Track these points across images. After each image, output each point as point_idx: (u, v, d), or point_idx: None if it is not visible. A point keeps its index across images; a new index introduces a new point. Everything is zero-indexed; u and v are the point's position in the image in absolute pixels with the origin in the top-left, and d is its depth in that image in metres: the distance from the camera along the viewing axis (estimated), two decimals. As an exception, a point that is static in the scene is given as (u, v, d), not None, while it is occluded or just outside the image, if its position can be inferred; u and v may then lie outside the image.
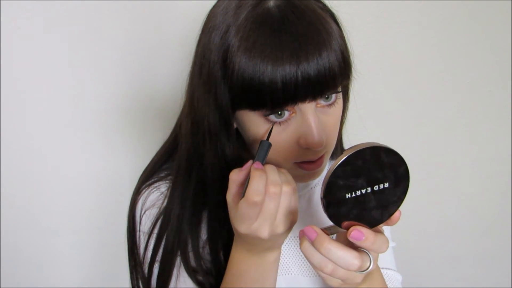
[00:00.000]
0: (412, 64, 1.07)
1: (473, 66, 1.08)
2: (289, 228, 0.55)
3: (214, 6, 0.60)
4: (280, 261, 0.71)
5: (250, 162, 0.54)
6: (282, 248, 0.71)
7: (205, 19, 0.60)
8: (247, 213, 0.51)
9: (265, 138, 0.56)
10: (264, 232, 0.52)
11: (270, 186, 0.50)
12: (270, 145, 0.55)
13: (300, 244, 0.50)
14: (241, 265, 0.58)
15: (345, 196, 0.47)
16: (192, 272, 0.66)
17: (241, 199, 0.52)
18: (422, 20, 1.04)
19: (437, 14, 1.03)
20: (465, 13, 1.04)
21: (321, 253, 0.48)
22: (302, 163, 0.59)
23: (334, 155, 0.70)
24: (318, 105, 0.57)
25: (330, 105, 0.57)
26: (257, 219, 0.51)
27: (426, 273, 1.27)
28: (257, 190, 0.50)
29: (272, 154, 0.58)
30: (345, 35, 0.58)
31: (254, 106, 0.55)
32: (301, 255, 0.71)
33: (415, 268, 1.24)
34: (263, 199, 0.50)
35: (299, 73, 0.51)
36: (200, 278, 0.67)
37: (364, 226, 0.49)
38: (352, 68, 0.59)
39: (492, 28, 1.06)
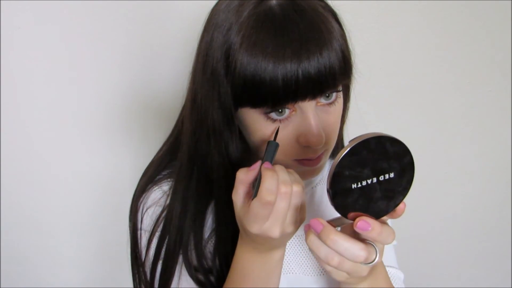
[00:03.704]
0: (413, 64, 1.07)
1: (474, 66, 1.09)
2: (297, 227, 0.55)
3: (216, 4, 0.60)
4: (282, 260, 0.71)
5: (259, 162, 0.54)
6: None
7: (207, 17, 0.61)
8: (260, 213, 0.51)
9: (271, 138, 0.56)
10: (275, 232, 0.52)
11: (281, 186, 0.51)
12: (277, 145, 0.56)
13: (306, 238, 0.50)
14: (246, 264, 0.58)
15: (351, 186, 0.47)
16: (193, 272, 0.66)
17: (252, 199, 0.52)
18: (423, 20, 1.04)
19: (438, 14, 1.03)
20: (466, 13, 1.04)
21: (328, 245, 0.48)
22: (301, 160, 0.60)
23: (334, 154, 0.70)
24: (319, 104, 0.57)
25: (330, 103, 0.58)
26: (268, 219, 0.51)
27: (426, 273, 1.27)
28: (270, 190, 0.50)
29: None
30: (346, 35, 0.59)
31: (255, 103, 0.55)
32: (303, 254, 0.71)
33: (416, 267, 1.24)
34: (276, 198, 0.50)
35: (300, 72, 0.52)
36: (201, 277, 0.67)
37: (370, 217, 0.49)
38: (353, 68, 0.59)
39: (492, 28, 1.06)
